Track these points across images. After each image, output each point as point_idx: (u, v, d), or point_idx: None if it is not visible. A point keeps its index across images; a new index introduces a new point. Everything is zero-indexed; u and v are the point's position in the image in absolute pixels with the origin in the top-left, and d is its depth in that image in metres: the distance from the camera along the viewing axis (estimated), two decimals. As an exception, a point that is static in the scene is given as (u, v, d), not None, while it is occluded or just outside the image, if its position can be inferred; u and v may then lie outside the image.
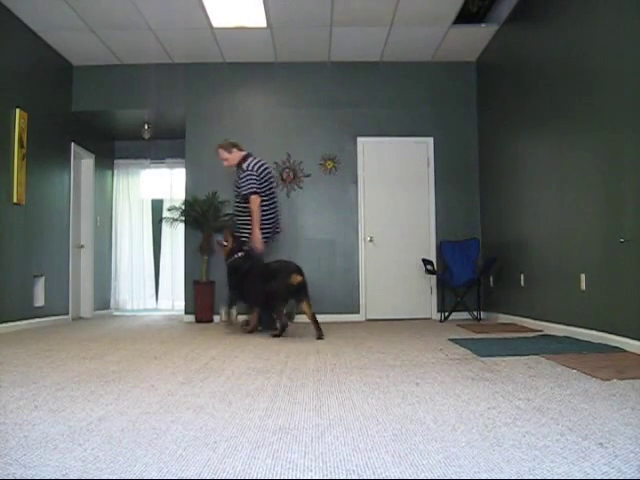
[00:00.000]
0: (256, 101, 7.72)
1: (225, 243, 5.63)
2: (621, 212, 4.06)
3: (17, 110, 6.09)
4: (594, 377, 2.84)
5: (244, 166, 5.71)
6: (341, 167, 7.56)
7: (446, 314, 6.99)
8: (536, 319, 5.55)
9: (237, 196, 5.84)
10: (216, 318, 7.27)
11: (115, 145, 9.34)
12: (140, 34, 6.70)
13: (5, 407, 2.30)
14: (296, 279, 5.08)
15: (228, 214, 7.36)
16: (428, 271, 7.15)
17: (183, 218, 7.43)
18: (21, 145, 6.15)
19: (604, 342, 4.16)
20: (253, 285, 5.32)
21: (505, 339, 4.65)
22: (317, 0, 6.01)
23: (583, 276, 4.57)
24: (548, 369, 3.13)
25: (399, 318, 7.21)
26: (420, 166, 7.58)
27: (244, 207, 5.73)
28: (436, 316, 7.28)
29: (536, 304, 5.62)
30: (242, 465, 1.56)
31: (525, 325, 5.76)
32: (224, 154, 5.90)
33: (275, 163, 7.54)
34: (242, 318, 5.96)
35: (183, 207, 7.45)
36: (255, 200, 5.58)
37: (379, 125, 7.60)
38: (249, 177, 5.62)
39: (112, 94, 7.63)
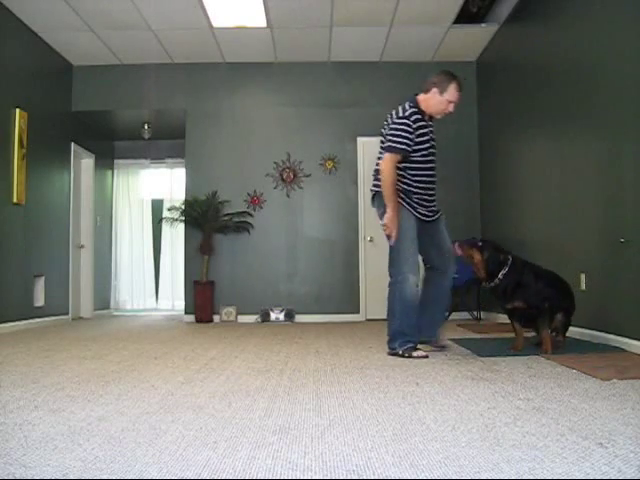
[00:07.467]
0: (256, 101, 7.72)
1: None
2: (621, 212, 4.06)
3: (17, 110, 6.09)
4: (594, 377, 2.83)
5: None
6: (341, 167, 7.56)
7: (446, 314, 6.97)
8: (536, 319, 5.53)
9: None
10: (216, 318, 7.28)
11: (115, 145, 9.34)
12: (140, 34, 6.70)
13: (5, 407, 2.30)
14: None
15: (228, 214, 7.37)
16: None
17: (183, 218, 7.43)
18: (21, 145, 6.15)
19: (604, 342, 4.16)
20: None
21: (505, 339, 4.64)
22: (317, 0, 6.01)
23: (583, 276, 4.57)
24: (548, 369, 3.13)
25: (399, 318, 7.19)
26: (420, 166, 7.56)
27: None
28: (436, 316, 7.26)
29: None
30: (242, 465, 1.56)
31: (525, 325, 5.75)
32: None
33: (275, 163, 7.55)
34: None
35: (183, 207, 7.45)
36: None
37: (379, 125, 7.46)
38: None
39: (112, 94, 7.63)
